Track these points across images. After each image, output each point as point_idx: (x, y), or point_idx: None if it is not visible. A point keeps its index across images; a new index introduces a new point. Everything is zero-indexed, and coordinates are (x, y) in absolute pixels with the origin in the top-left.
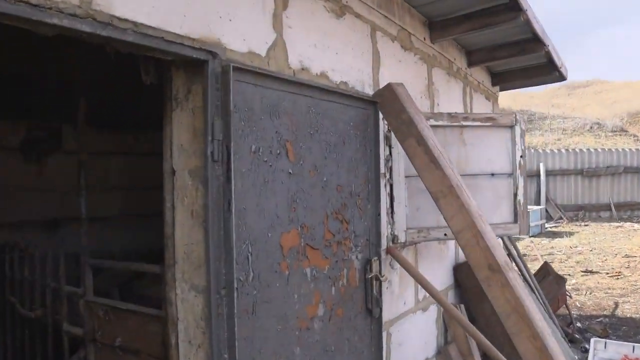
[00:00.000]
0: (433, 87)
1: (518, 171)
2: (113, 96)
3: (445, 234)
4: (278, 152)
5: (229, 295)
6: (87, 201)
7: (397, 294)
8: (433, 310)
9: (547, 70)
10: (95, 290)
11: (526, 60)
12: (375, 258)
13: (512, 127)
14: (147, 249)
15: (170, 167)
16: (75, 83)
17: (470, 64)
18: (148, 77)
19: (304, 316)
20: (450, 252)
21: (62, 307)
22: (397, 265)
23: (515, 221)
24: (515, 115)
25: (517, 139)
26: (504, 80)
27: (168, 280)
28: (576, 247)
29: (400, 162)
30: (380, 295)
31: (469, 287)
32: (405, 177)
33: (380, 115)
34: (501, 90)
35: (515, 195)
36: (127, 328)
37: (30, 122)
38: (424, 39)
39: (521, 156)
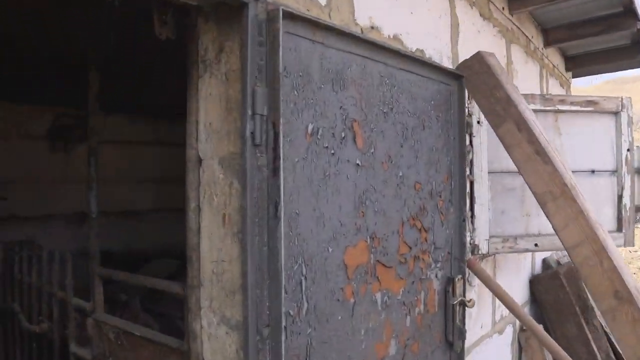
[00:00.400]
0: (512, 66)
1: (624, 168)
2: (144, 81)
3: (536, 244)
4: (343, 135)
5: (274, 337)
6: (114, 194)
7: (475, 316)
8: (509, 332)
9: (632, 52)
10: (114, 299)
11: (608, 41)
12: (459, 277)
13: (617, 113)
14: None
15: (196, 154)
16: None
17: (547, 43)
18: (164, 30)
19: (373, 358)
20: (527, 262)
21: (70, 323)
22: (475, 281)
23: (620, 229)
24: (622, 99)
25: (624, 128)
26: (579, 64)
27: (192, 306)
28: None
29: (483, 154)
30: (464, 324)
31: (549, 303)
32: (488, 173)
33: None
34: (574, 76)
35: (621, 197)
36: (142, 358)
37: (57, 109)
38: (503, 8)
39: (628, 149)
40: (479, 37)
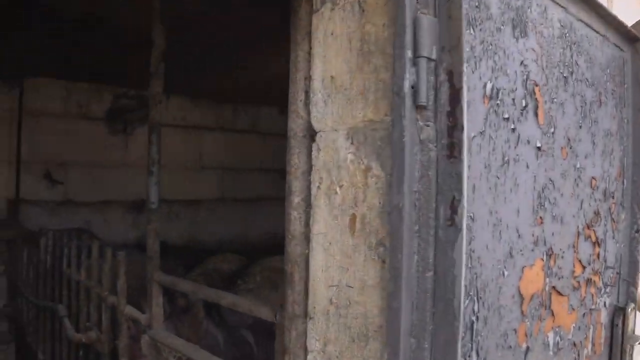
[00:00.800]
0: None
1: None
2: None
3: None
4: (523, 104)
5: None
6: (173, 181)
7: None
8: None
9: None
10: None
11: None
12: (632, 307)
13: None
14: (254, 241)
15: (305, 125)
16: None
17: None
18: None
19: None
20: None
21: (122, 336)
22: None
23: None
24: None
25: None
26: None
27: (290, 345)
28: None
29: None
30: None
31: None
32: None
33: None
34: None
35: None
36: None
37: (117, 89)
38: None
39: None
40: None
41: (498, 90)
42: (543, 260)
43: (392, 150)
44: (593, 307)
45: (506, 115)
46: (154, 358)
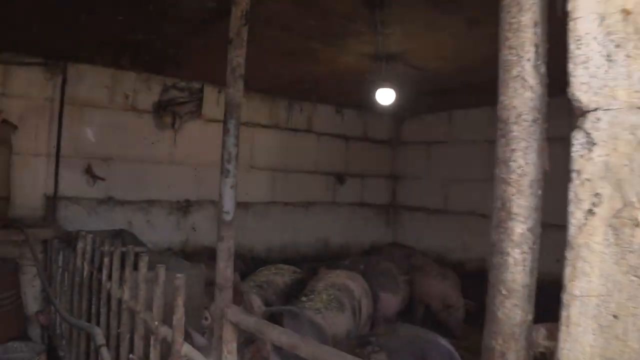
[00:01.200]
0: None
1: None
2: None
3: None
4: None
5: None
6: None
7: None
8: None
9: None
10: None
11: None
12: None
13: None
14: (303, 248)
15: (537, 101)
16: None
17: None
18: None
19: None
20: None
21: None
22: None
23: None
24: None
25: None
26: None
27: None
28: None
29: None
30: None
31: None
32: None
33: None
34: None
35: None
36: None
37: (166, 79)
38: None
39: None
40: None
41: None
42: None
43: None
44: None
45: None
46: None
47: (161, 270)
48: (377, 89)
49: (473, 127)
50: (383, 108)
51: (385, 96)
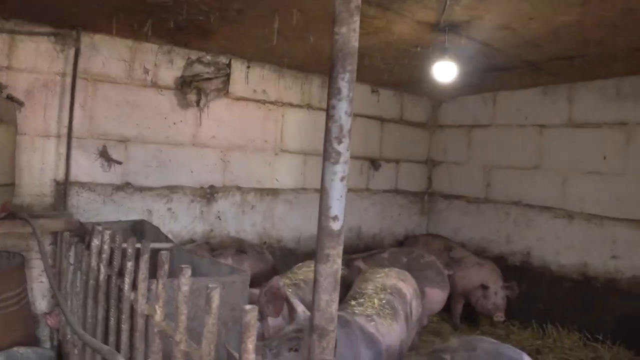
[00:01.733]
0: None
1: None
2: None
3: None
4: None
5: None
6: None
7: None
8: None
9: None
10: None
11: None
12: None
13: None
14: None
15: None
16: None
17: None
18: None
19: None
20: None
21: None
22: None
23: None
24: None
25: None
26: None
27: None
28: None
29: None
30: None
31: None
32: None
33: None
34: None
35: None
36: None
37: (190, 52)
38: None
39: None
40: None
41: None
42: None
43: None
44: None
45: None
46: None
47: (215, 294)
48: (434, 63)
49: (520, 110)
50: (420, 88)
51: (445, 71)
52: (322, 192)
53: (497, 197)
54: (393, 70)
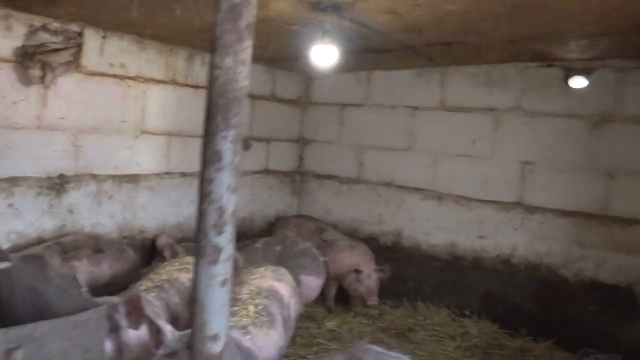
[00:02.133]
0: None
1: None
2: None
3: None
4: None
5: None
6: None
7: None
8: None
9: None
10: None
11: None
12: None
13: None
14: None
15: None
16: None
17: None
18: None
19: None
20: None
21: None
22: None
23: None
24: None
25: None
26: None
27: None
28: None
29: None
30: None
31: None
32: None
33: None
34: None
35: None
36: None
37: (34, 18)
38: None
39: None
40: None
41: None
42: None
43: None
44: None
45: None
46: None
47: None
48: (313, 45)
49: (394, 91)
50: (294, 65)
51: (326, 54)
52: (196, 302)
53: (370, 177)
54: (267, 47)
